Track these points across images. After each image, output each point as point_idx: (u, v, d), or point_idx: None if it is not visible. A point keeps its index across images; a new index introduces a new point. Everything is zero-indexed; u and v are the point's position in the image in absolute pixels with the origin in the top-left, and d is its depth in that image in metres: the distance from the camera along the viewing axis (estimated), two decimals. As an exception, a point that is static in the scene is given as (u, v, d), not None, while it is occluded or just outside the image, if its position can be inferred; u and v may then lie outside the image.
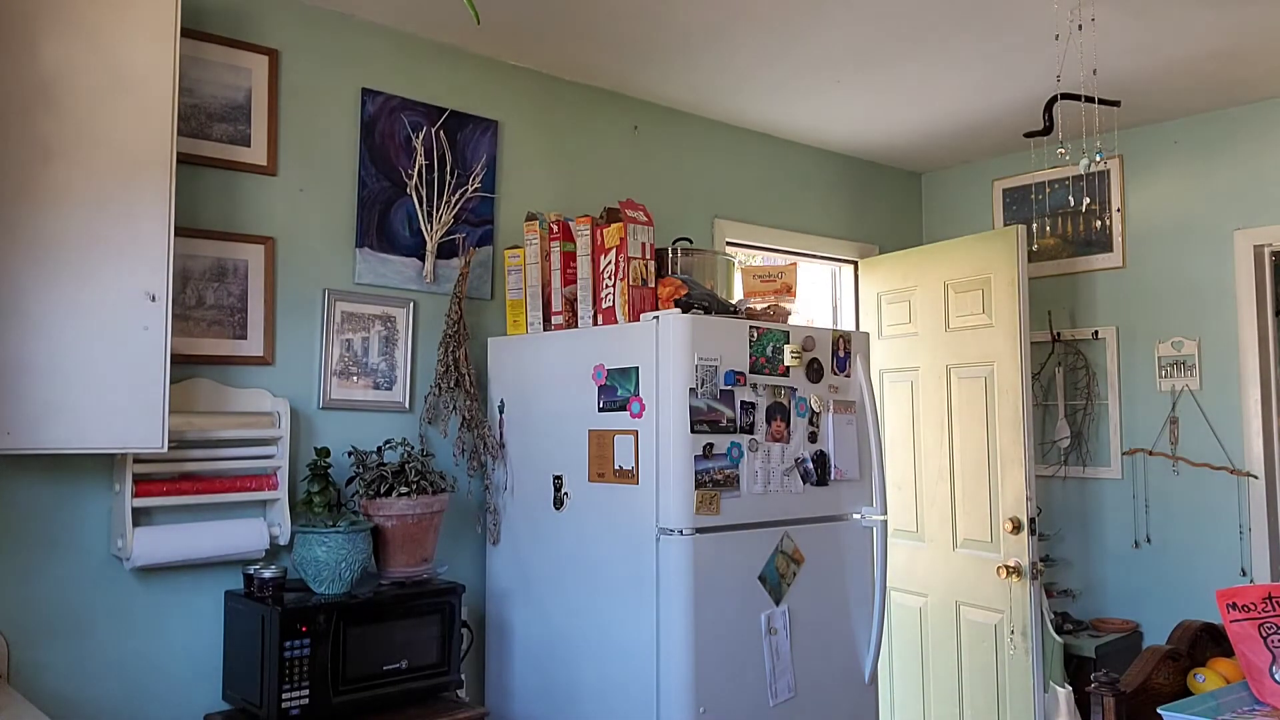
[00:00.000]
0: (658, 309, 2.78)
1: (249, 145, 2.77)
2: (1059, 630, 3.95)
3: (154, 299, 2.26)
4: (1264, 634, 1.73)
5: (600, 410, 2.73)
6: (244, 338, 2.74)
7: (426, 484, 2.75)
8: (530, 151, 3.43)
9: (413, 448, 2.86)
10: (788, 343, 2.77)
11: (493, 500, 3.10)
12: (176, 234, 2.45)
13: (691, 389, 2.55)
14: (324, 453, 2.72)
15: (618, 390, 2.68)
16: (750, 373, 2.69)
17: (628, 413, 2.64)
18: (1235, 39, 3.23)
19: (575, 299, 2.93)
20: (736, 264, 3.20)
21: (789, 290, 2.96)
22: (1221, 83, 3.66)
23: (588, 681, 2.73)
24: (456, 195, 3.18)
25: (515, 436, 3.02)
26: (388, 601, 2.59)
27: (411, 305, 3.06)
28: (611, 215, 2.93)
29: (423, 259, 3.10)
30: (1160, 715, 1.66)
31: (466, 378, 3.03)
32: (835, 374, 2.91)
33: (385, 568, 2.72)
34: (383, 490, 2.70)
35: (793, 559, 2.75)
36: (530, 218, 3.09)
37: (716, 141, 4.03)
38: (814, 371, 2.85)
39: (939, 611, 4.14)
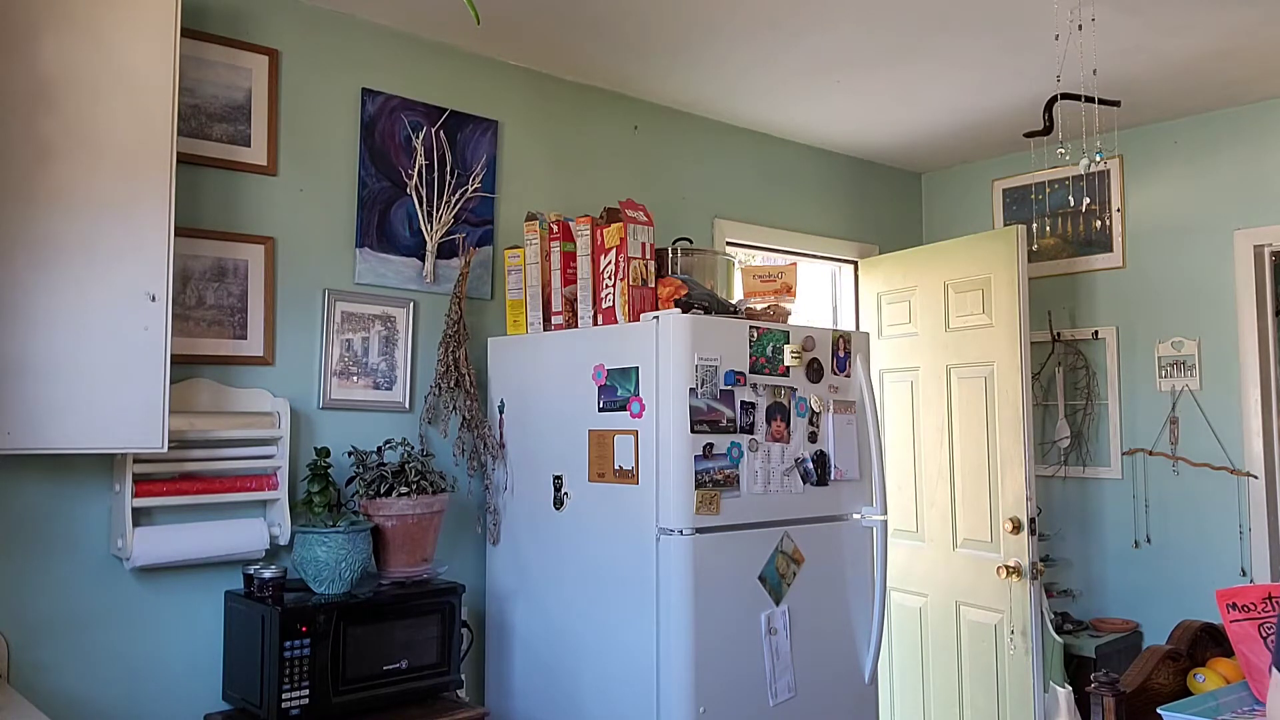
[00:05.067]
0: (658, 309, 2.78)
1: (249, 145, 2.77)
2: (1059, 630, 3.95)
3: (154, 299, 2.26)
4: (1264, 634, 1.73)
5: (600, 410, 2.73)
6: (244, 338, 2.74)
7: (426, 484, 2.75)
8: (530, 151, 3.43)
9: (413, 448, 2.86)
10: (788, 343, 2.77)
11: (493, 500, 3.10)
12: (176, 234, 2.45)
13: (691, 389, 2.55)
14: (324, 453, 2.72)
15: (618, 390, 2.68)
16: (750, 373, 2.69)
17: (628, 413, 2.64)
18: (1235, 39, 3.23)
19: (575, 299, 2.93)
20: (736, 264, 3.20)
21: (789, 290, 2.96)
22: (1221, 83, 3.66)
23: (588, 681, 2.73)
24: (456, 195, 3.18)
25: (515, 436, 3.02)
26: (388, 601, 2.59)
27: (411, 305, 3.06)
28: (611, 215, 2.93)
29: (423, 259, 3.10)
30: (1160, 715, 1.66)
31: (466, 378, 3.03)
32: (835, 374, 2.91)
33: (385, 568, 2.72)
34: (383, 490, 2.70)
35: (793, 559, 2.75)
36: (530, 218, 3.09)
37: (716, 141, 4.03)
38: (814, 371, 2.85)
39: (939, 611, 4.13)
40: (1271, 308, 3.94)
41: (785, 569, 2.73)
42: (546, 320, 3.01)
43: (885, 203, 4.75)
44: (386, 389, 3.00)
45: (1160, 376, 4.10)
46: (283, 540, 2.68)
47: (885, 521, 2.98)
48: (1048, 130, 3.45)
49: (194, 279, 2.66)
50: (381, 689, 2.55)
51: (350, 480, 2.80)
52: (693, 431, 2.54)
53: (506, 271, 3.13)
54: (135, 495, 2.44)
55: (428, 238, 3.10)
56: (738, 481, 2.63)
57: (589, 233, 2.88)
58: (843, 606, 2.88)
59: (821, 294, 4.69)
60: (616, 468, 2.67)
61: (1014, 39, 3.19)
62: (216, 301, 2.70)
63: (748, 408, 2.67)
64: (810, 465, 2.81)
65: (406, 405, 3.04)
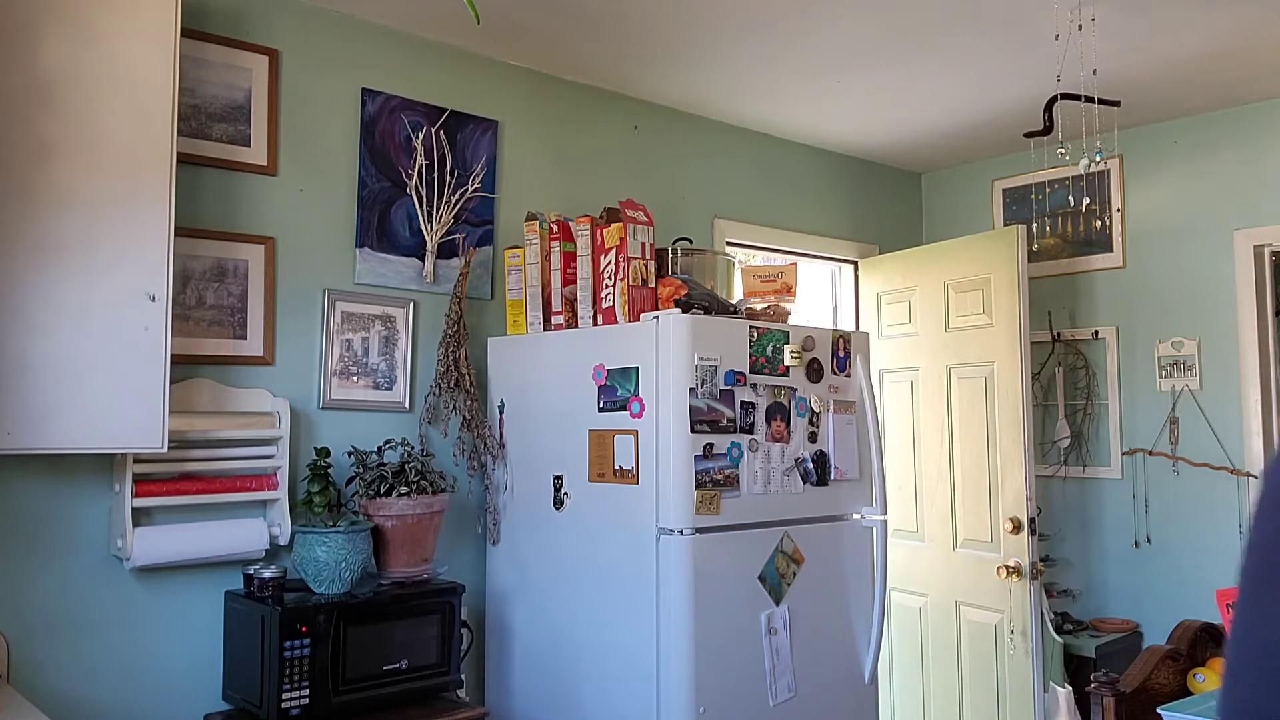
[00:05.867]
0: (658, 309, 2.78)
1: (249, 145, 2.77)
2: (1059, 630, 3.95)
3: (154, 299, 2.26)
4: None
5: (600, 410, 2.73)
6: (244, 338, 2.74)
7: (426, 484, 2.75)
8: (530, 151, 3.43)
9: (413, 448, 2.86)
10: (788, 343, 2.77)
11: (493, 500, 3.10)
12: (176, 234, 2.45)
13: (691, 389, 2.55)
14: (324, 453, 2.72)
15: (618, 390, 2.68)
16: (750, 373, 2.69)
17: (628, 413, 2.64)
18: (1235, 39, 3.23)
19: (575, 299, 2.93)
20: (736, 264, 3.20)
21: (789, 290, 2.96)
22: (1221, 83, 3.66)
23: (588, 681, 2.73)
24: (456, 195, 3.18)
25: (515, 436, 3.02)
26: (388, 601, 2.59)
27: (411, 305, 3.06)
28: (611, 215, 2.93)
29: (423, 259, 3.10)
30: (1160, 715, 1.66)
31: (466, 378, 3.03)
32: (835, 374, 2.91)
33: (385, 568, 2.72)
34: (383, 490, 2.70)
35: (793, 559, 2.75)
36: (530, 218, 3.09)
37: (716, 141, 4.03)
38: (814, 371, 2.85)
39: (939, 611, 4.13)
40: (1271, 308, 3.94)
41: (785, 569, 2.73)
42: (546, 320, 3.01)
43: (885, 203, 4.75)
44: (386, 389, 3.00)
45: (1160, 376, 4.10)
46: (283, 540, 2.68)
47: (885, 521, 2.98)
48: (1048, 130, 3.45)
49: (194, 279, 2.66)
50: (381, 689, 2.55)
51: (350, 480, 2.80)
52: (693, 431, 2.54)
53: (506, 271, 3.13)
54: (135, 495, 2.44)
55: (428, 238, 3.10)
56: (738, 481, 2.63)
57: (589, 233, 2.88)
58: (843, 606, 2.88)
59: (821, 294, 4.69)
60: (616, 468, 2.67)
61: (1014, 39, 3.19)
62: (216, 301, 2.70)
63: (748, 408, 2.67)
64: (810, 465, 2.81)
65: (406, 405, 3.04)
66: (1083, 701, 3.68)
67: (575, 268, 2.93)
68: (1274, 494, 0.72)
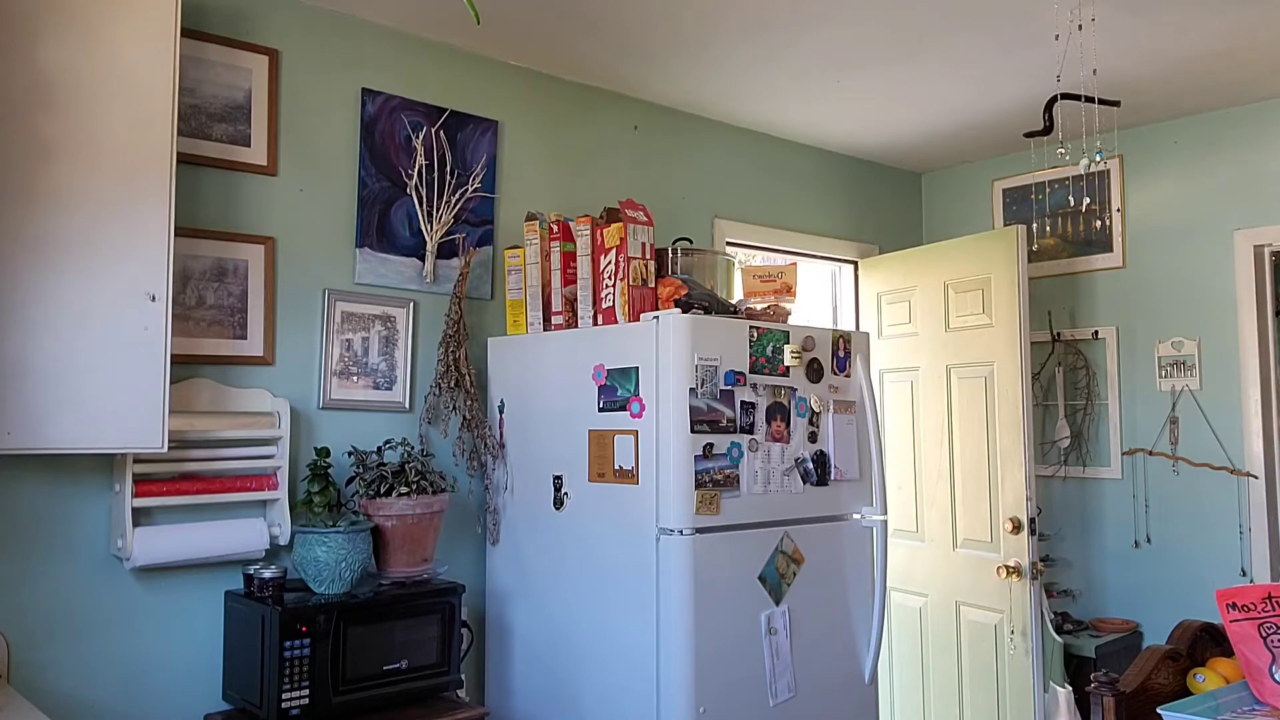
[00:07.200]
0: (658, 309, 2.78)
1: (249, 145, 2.77)
2: (1059, 630, 3.95)
3: (154, 299, 2.26)
4: (1264, 634, 1.73)
5: (600, 410, 2.73)
6: (244, 338, 2.74)
7: (426, 484, 2.75)
8: (530, 151, 3.43)
9: (413, 448, 2.86)
10: (788, 343, 2.78)
11: (493, 500, 3.10)
12: (176, 234, 2.45)
13: (691, 389, 2.55)
14: (324, 453, 2.72)
15: (618, 390, 2.68)
16: (750, 373, 2.69)
17: (628, 413, 2.64)
18: (1235, 39, 3.23)
19: (575, 299, 2.93)
20: (736, 264, 3.20)
21: (789, 290, 2.96)
22: (1221, 83, 3.66)
23: (588, 681, 2.73)
24: (456, 195, 3.18)
25: (515, 436, 3.02)
26: (388, 601, 2.59)
27: (411, 305, 3.06)
28: (611, 215, 2.93)
29: (423, 259, 3.10)
30: (1160, 715, 1.66)
31: (466, 378, 3.04)
32: (835, 374, 2.92)
33: (385, 568, 2.72)
34: (383, 490, 2.70)
35: (793, 559, 2.75)
36: (530, 218, 3.10)
37: (716, 141, 4.03)
38: (814, 371, 2.85)
39: (939, 611, 4.14)
40: (1271, 308, 3.94)
41: (785, 569, 2.73)
42: (546, 320, 3.02)
43: (885, 203, 4.75)
44: (386, 389, 3.00)
45: (1160, 376, 4.10)
46: (283, 540, 2.68)
47: (885, 521, 2.98)
48: (1048, 130, 3.45)
49: (194, 279, 2.66)
50: (381, 689, 2.55)
51: (350, 480, 2.80)
52: (693, 431, 2.54)
53: (506, 271, 3.13)
54: (135, 495, 2.44)
55: (428, 238, 3.10)
56: (738, 481, 2.63)
57: (589, 233, 2.88)
58: (843, 606, 2.89)
59: (821, 294, 4.69)
60: (616, 468, 2.67)
61: (1014, 39, 3.19)
62: (216, 301, 2.70)
63: (748, 408, 2.67)
64: (810, 465, 2.81)
65: (406, 405, 3.04)
66: (1083, 701, 3.68)
67: (575, 268, 2.93)
68: None
